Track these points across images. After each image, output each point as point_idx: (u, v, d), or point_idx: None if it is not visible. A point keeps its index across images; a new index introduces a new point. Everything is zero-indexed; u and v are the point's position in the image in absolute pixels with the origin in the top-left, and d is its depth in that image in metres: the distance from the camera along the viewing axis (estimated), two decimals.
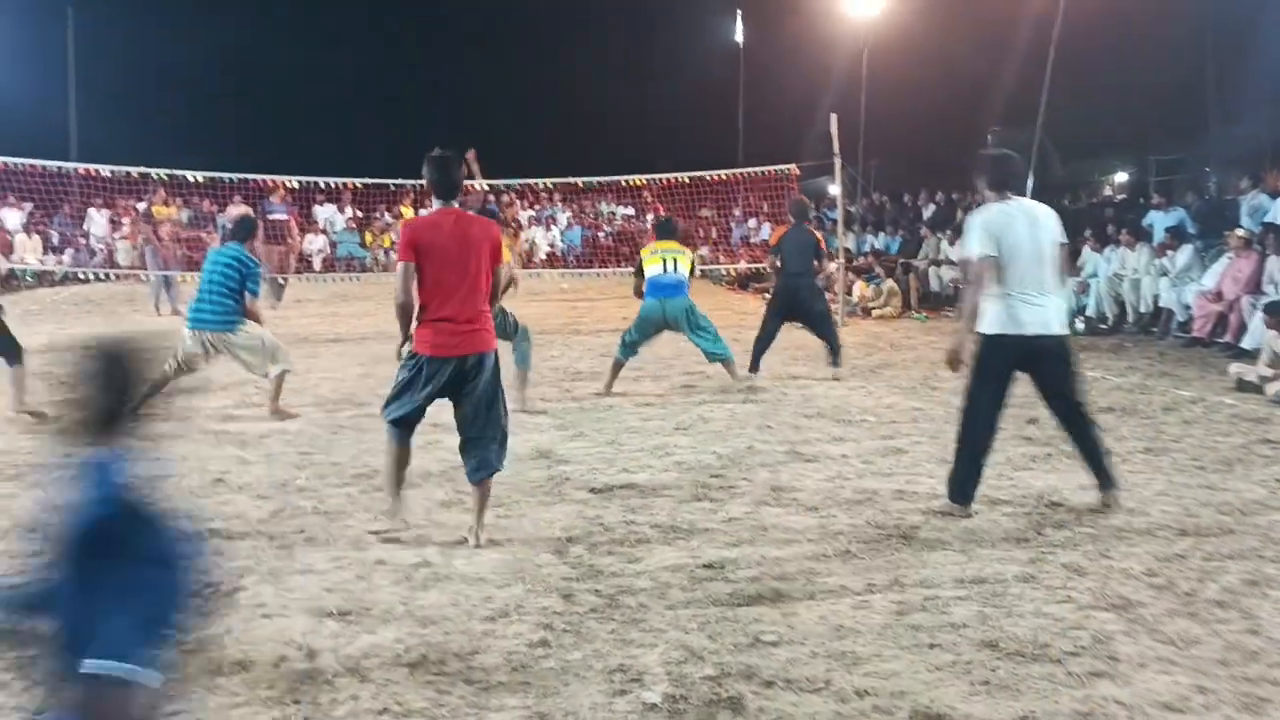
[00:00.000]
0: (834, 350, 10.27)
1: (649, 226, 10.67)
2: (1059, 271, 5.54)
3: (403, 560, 4.85)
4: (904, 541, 5.09)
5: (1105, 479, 5.65)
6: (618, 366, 9.30)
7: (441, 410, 8.26)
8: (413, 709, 3.41)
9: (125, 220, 22.33)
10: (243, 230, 8.44)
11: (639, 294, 9.47)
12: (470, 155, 10.17)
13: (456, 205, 5.23)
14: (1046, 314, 5.41)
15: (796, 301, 10.18)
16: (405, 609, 4.26)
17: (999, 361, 5.44)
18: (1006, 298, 5.38)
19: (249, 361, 8.11)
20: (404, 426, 5.25)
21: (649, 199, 25.56)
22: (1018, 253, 5.37)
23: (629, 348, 9.23)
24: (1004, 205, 5.51)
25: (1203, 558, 4.82)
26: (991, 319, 5.42)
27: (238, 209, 15.52)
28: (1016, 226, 5.41)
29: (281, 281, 17.64)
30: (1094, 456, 5.65)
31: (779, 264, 10.34)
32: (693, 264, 9.56)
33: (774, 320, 10.20)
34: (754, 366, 9.99)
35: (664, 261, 9.26)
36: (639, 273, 9.45)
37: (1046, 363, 5.48)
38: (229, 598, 4.37)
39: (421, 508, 5.70)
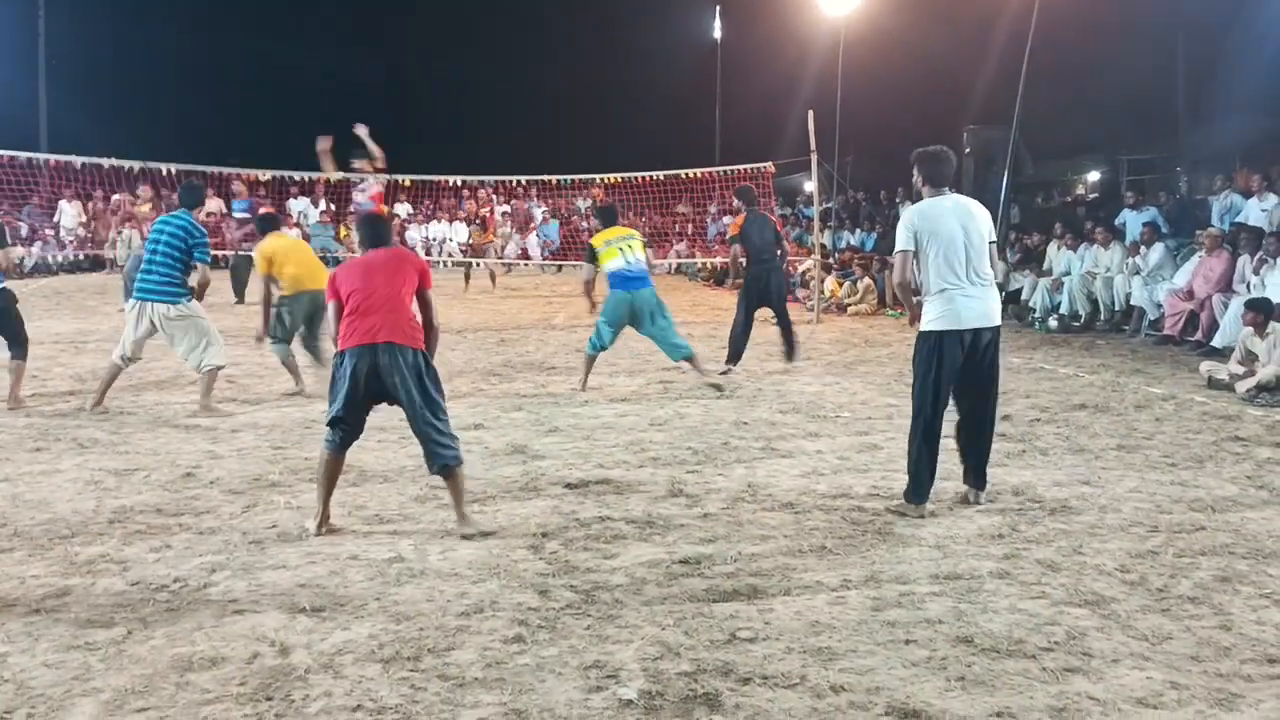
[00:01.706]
0: (790, 344, 10.46)
1: (586, 215, 10.63)
2: (992, 265, 5.61)
3: (376, 555, 4.81)
4: (880, 537, 5.09)
5: (981, 479, 5.72)
6: (590, 362, 9.25)
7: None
8: (386, 705, 3.38)
9: (109, 212, 22.25)
10: (191, 196, 8.32)
11: (588, 290, 9.32)
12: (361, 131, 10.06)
13: None
14: (984, 306, 5.51)
15: (769, 288, 10.27)
16: (379, 604, 4.23)
17: (941, 357, 5.49)
18: (942, 295, 5.47)
19: (181, 347, 8.03)
20: None
21: (598, 193, 25.41)
22: (945, 246, 5.47)
23: (599, 343, 9.11)
24: (933, 200, 5.62)
25: (1175, 554, 4.85)
26: (933, 317, 5.51)
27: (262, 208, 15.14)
28: (944, 220, 5.51)
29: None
30: (981, 454, 5.71)
31: (746, 253, 10.38)
32: (644, 243, 9.35)
33: (750, 311, 10.22)
34: (734, 358, 10.04)
35: (621, 252, 8.98)
36: (591, 258, 9.14)
37: (982, 354, 5.56)
38: (200, 593, 4.33)
39: (395, 502, 5.66)
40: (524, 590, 4.39)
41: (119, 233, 21.60)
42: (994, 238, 5.72)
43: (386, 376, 5.12)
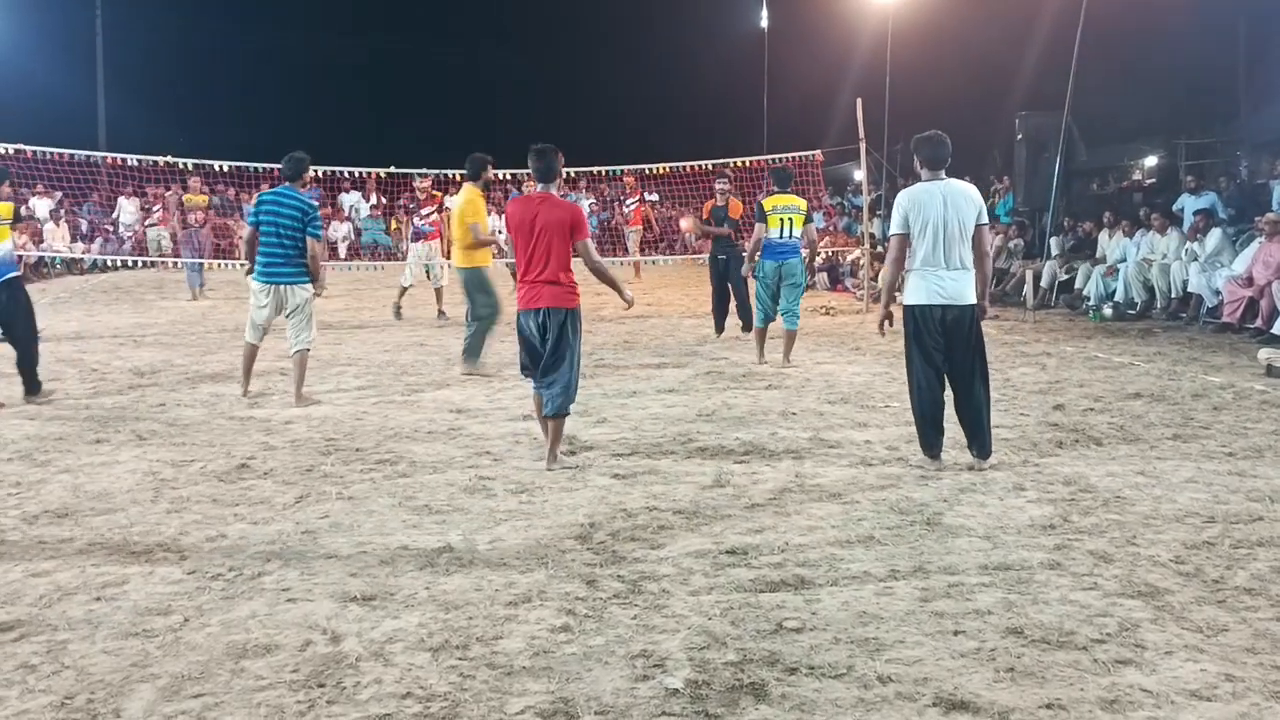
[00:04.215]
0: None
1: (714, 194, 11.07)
2: (974, 249, 6.06)
3: (426, 545, 4.86)
4: (928, 528, 5.06)
5: (978, 447, 6.17)
6: (760, 335, 10.13)
7: (468, 398, 8.30)
8: (435, 693, 3.43)
9: (157, 207, 22.50)
10: (294, 168, 8.26)
11: (752, 255, 10.20)
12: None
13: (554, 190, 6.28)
14: (957, 286, 5.99)
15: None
16: (428, 594, 4.28)
17: (919, 329, 6.08)
18: (921, 271, 6.04)
19: (295, 328, 8.20)
20: None
21: (630, 180, 24.99)
22: (930, 230, 5.98)
23: (764, 314, 10.02)
24: (926, 185, 6.11)
25: (1231, 545, 4.77)
26: (910, 291, 6.11)
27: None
28: (932, 205, 6.00)
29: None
30: (974, 423, 6.15)
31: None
32: (808, 214, 9.99)
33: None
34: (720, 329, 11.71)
35: (782, 223, 9.77)
36: (761, 218, 9.84)
37: (955, 331, 6.04)
38: (254, 582, 4.41)
39: (445, 493, 5.72)
40: (571, 580, 4.42)
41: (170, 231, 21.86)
42: (984, 220, 6.13)
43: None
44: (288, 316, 8.18)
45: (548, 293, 6.11)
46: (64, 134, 20.27)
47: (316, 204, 8.34)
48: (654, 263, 22.29)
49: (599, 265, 6.36)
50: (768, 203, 9.90)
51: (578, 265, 6.23)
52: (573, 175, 25.76)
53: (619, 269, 18.95)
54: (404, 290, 14.17)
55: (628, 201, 21.85)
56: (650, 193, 27.26)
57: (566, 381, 6.15)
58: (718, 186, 11.92)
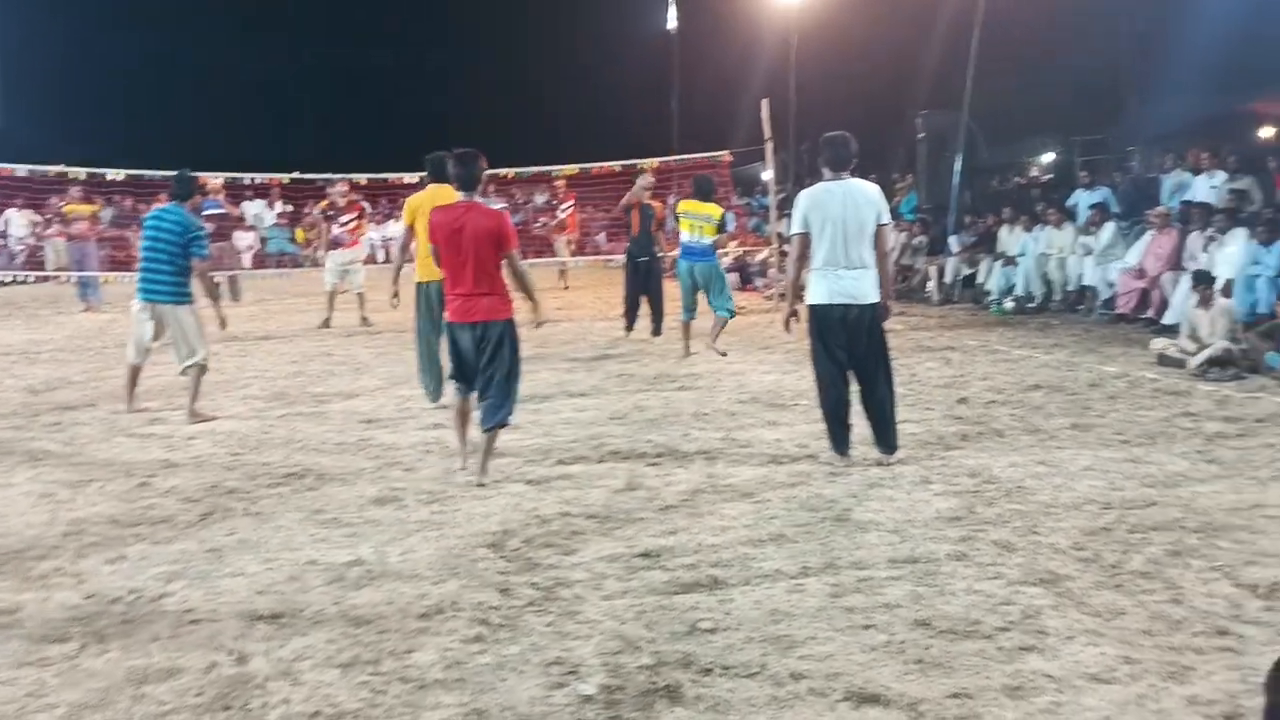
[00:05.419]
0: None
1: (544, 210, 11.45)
2: (875, 248, 6.11)
3: (335, 560, 4.78)
4: (838, 523, 5.13)
5: (885, 442, 6.29)
6: (685, 328, 10.53)
7: (377, 408, 8.18)
8: (345, 710, 3.37)
9: (46, 218, 21.75)
10: (182, 188, 8.08)
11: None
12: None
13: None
14: (858, 285, 6.06)
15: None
16: (338, 609, 4.21)
17: (821, 328, 6.18)
18: (821, 270, 6.11)
19: (182, 348, 7.97)
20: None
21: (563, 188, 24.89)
22: (829, 229, 6.04)
23: (685, 310, 10.48)
24: (826, 185, 6.17)
25: (1127, 530, 4.93)
26: (811, 291, 6.19)
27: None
28: (832, 204, 6.06)
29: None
30: (880, 419, 6.27)
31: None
32: (721, 223, 10.27)
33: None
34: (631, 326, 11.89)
35: (692, 227, 10.20)
36: (675, 218, 10.50)
37: (856, 329, 6.12)
38: (155, 604, 4.28)
39: (355, 505, 5.63)
40: (485, 589, 4.39)
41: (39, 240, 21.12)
42: (885, 220, 6.18)
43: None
44: (170, 337, 7.98)
45: (484, 304, 5.90)
46: None
47: (202, 226, 8.15)
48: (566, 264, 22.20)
49: (524, 277, 6.13)
50: (681, 205, 10.37)
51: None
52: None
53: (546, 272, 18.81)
54: (331, 297, 13.92)
55: (561, 206, 21.64)
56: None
57: (507, 393, 6.00)
58: (641, 183, 11.84)
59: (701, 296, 10.39)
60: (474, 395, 6.09)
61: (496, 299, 5.96)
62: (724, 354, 10.31)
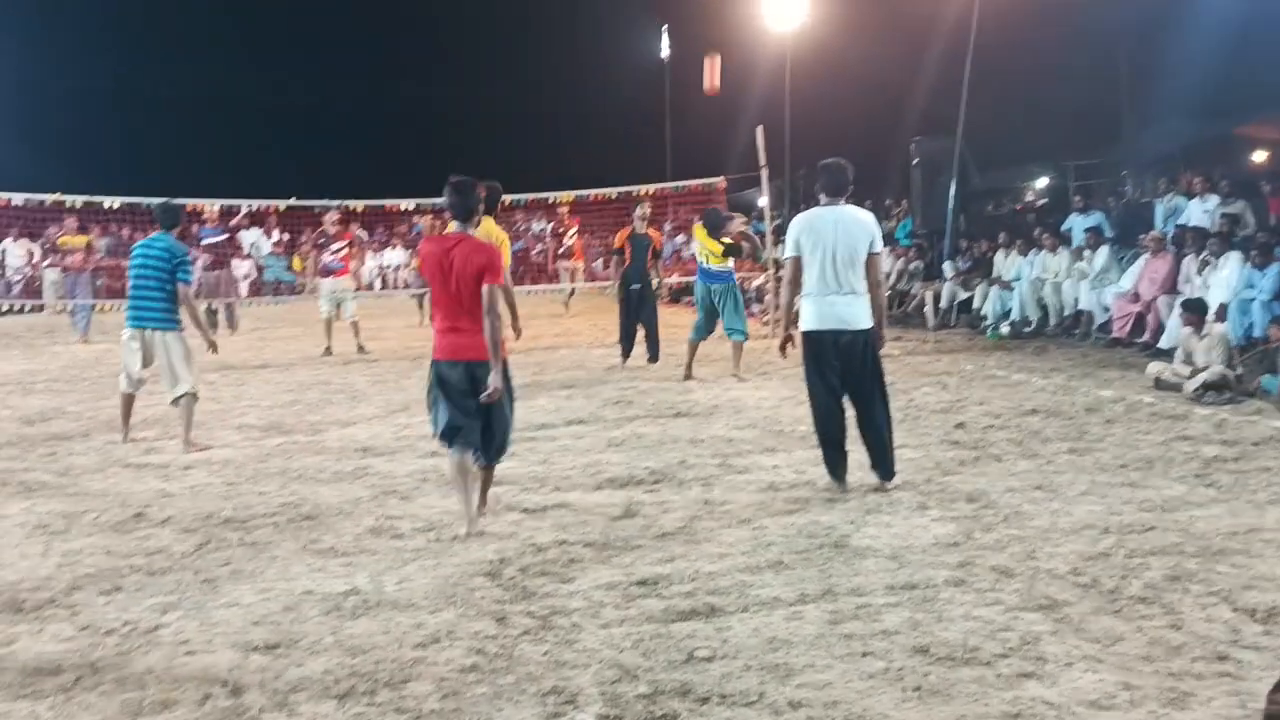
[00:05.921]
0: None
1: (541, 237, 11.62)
2: (866, 274, 6.13)
3: (331, 589, 4.76)
4: (836, 550, 5.12)
5: (882, 468, 6.27)
6: (691, 349, 10.84)
7: (373, 436, 8.16)
8: None
9: (45, 248, 21.78)
10: (169, 217, 8.19)
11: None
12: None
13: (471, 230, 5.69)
14: (850, 311, 6.10)
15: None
16: (334, 639, 4.18)
17: (815, 354, 6.20)
18: (813, 296, 6.14)
19: (169, 377, 7.99)
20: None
21: (565, 214, 24.86)
22: (821, 254, 6.08)
23: (696, 330, 10.83)
24: (820, 210, 6.23)
25: (1126, 555, 4.92)
26: (804, 317, 6.22)
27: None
28: (824, 230, 6.10)
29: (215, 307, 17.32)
30: (877, 445, 6.26)
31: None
32: (727, 250, 10.63)
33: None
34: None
35: (702, 252, 10.82)
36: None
37: (850, 355, 6.14)
38: (150, 635, 4.26)
39: (351, 535, 5.61)
40: (481, 618, 4.37)
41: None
42: (878, 249, 6.21)
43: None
44: (158, 363, 8.00)
45: (477, 343, 5.47)
46: None
47: (188, 252, 8.23)
48: (562, 291, 22.23)
49: (496, 312, 5.52)
50: (695, 231, 11.22)
51: None
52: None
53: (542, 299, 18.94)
54: (328, 324, 13.96)
55: (569, 233, 21.69)
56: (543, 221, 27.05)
57: (505, 428, 5.75)
58: (637, 214, 11.96)
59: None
60: (470, 453, 5.63)
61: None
62: (743, 379, 10.65)
